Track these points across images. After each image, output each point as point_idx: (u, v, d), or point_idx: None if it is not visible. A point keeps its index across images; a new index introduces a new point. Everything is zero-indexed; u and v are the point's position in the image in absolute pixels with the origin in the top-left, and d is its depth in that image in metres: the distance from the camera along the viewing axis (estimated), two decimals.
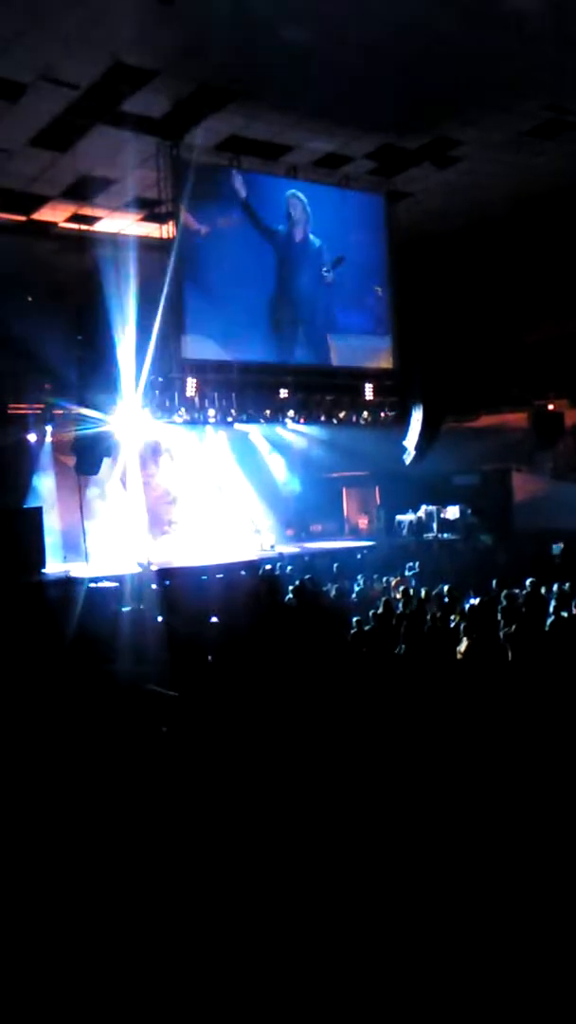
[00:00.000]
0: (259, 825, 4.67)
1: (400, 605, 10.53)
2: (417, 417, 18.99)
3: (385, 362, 19.37)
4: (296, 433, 21.44)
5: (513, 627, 8.56)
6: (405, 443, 19.41)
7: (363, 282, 18.92)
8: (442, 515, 20.68)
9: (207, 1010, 3.28)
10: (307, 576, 13.53)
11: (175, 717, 6.88)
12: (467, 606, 10.05)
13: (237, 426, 19.87)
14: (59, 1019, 3.30)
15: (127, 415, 17.34)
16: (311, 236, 18.09)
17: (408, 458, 19.34)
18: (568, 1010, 3.12)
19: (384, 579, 13.94)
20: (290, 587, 12.31)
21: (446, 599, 10.91)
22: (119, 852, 4.52)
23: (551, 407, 21.48)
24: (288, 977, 3.40)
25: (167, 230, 16.10)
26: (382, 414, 20.14)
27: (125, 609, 11.13)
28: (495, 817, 4.64)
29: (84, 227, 18.19)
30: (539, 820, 4.64)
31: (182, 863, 4.37)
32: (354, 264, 18.65)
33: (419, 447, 19.17)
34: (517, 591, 10.62)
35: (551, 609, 9.80)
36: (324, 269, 18.16)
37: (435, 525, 20.60)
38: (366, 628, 9.43)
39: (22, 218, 17.59)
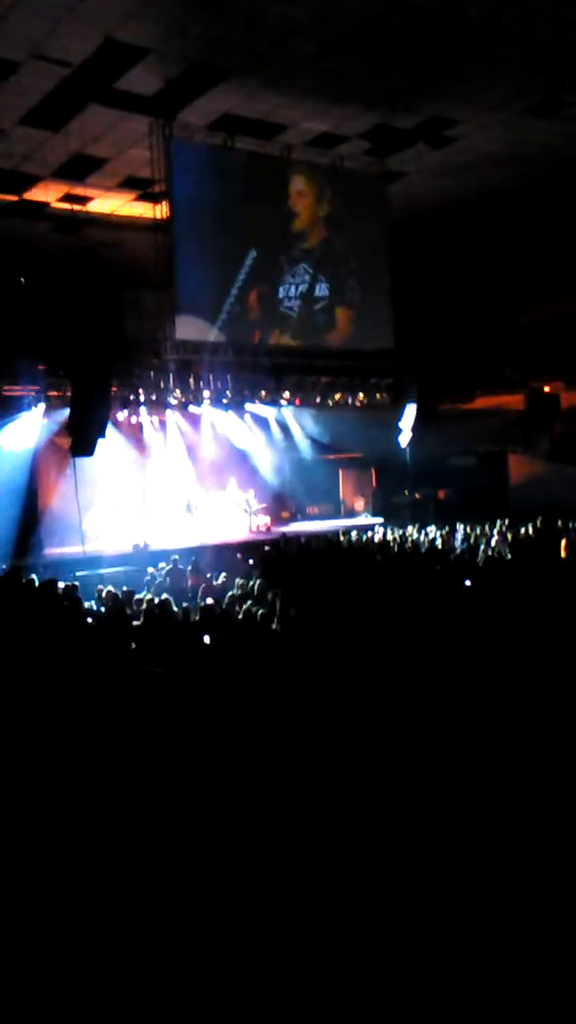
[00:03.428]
0: (259, 807, 4.67)
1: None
2: (413, 398, 18.99)
3: (381, 343, 19.30)
4: (292, 414, 21.41)
5: None
6: (401, 424, 19.42)
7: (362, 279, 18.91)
8: (439, 497, 20.74)
9: (206, 994, 3.29)
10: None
11: (172, 698, 6.87)
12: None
13: (231, 407, 19.82)
14: (58, 1010, 3.29)
15: (122, 397, 17.30)
16: (310, 224, 18.04)
17: (404, 439, 19.35)
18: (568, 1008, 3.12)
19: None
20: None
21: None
22: (118, 833, 4.52)
23: (547, 389, 21.48)
24: (288, 960, 3.41)
25: (160, 210, 16.00)
26: (378, 395, 20.13)
27: (122, 590, 11.11)
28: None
29: (77, 207, 18.06)
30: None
31: (181, 840, 4.37)
32: (354, 254, 18.65)
33: (415, 428, 19.18)
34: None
35: None
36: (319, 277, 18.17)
37: (431, 507, 20.65)
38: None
39: (14, 198, 17.46)
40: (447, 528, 17.01)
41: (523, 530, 15.33)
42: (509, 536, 14.90)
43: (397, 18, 12.13)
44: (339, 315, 18.58)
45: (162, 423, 19.62)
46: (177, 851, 4.21)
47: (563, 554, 13.42)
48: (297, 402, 20.16)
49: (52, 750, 5.45)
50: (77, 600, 10.22)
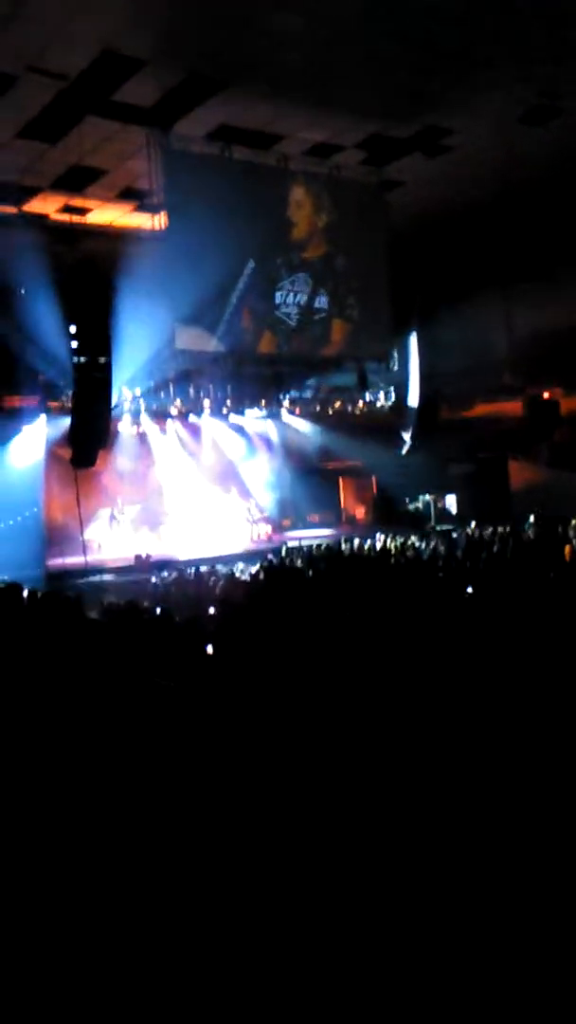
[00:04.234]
0: (259, 814, 4.65)
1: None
2: (413, 404, 19.01)
3: (380, 352, 19.30)
4: (292, 423, 21.45)
5: None
6: (402, 433, 19.44)
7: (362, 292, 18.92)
8: (439, 504, 20.72)
9: (205, 997, 3.27)
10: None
11: (172, 707, 6.85)
12: None
13: (232, 416, 19.86)
14: (57, 1011, 3.27)
15: (123, 407, 17.33)
16: (308, 234, 18.06)
17: (405, 448, 19.37)
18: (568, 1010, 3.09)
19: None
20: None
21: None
22: (116, 841, 4.51)
23: (546, 396, 21.48)
24: (288, 962, 3.39)
25: (159, 220, 16.02)
26: (378, 403, 20.17)
27: (122, 601, 11.10)
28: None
29: (76, 218, 18.12)
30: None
31: (181, 849, 4.35)
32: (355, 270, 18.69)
33: (415, 436, 19.19)
34: None
35: None
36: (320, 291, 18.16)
37: (432, 514, 20.64)
38: None
39: (13, 210, 17.51)
40: (448, 535, 17.00)
41: (524, 534, 15.33)
42: (511, 542, 14.88)
43: (393, 26, 12.16)
44: (335, 327, 18.55)
45: (163, 433, 19.65)
46: (175, 851, 4.20)
47: (567, 558, 13.40)
48: (297, 411, 20.21)
49: (53, 757, 5.44)
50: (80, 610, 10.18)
